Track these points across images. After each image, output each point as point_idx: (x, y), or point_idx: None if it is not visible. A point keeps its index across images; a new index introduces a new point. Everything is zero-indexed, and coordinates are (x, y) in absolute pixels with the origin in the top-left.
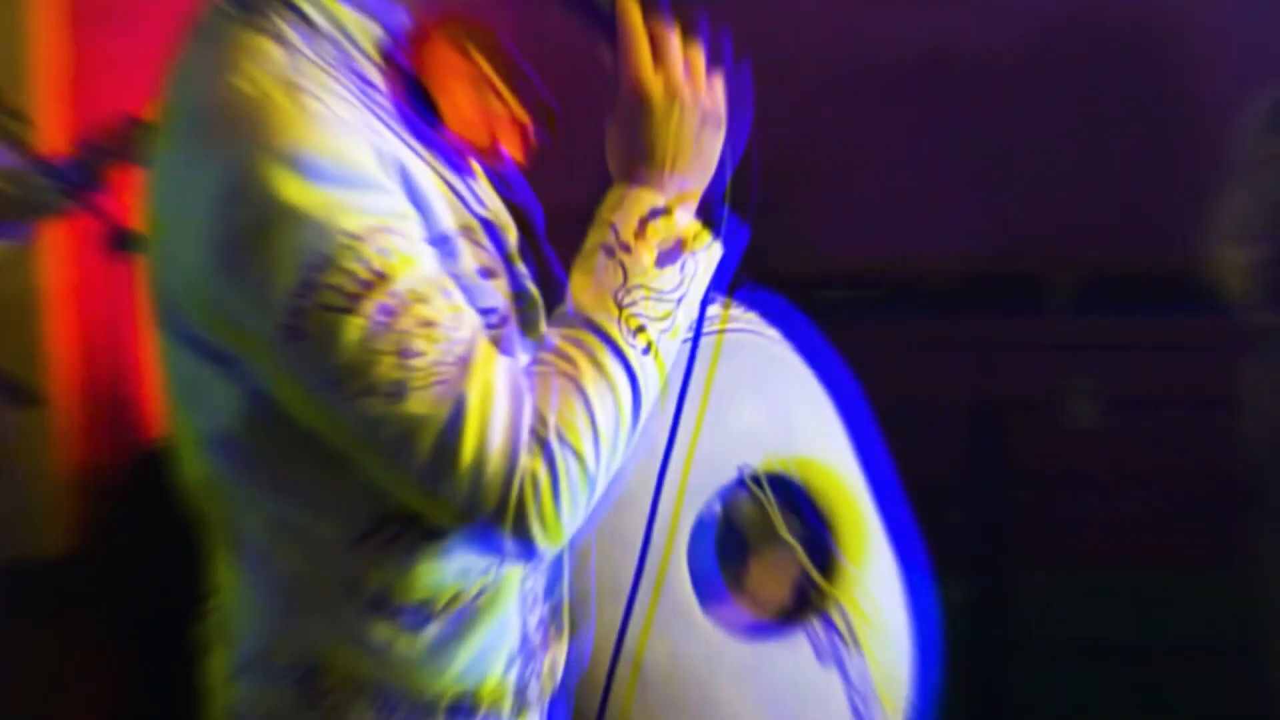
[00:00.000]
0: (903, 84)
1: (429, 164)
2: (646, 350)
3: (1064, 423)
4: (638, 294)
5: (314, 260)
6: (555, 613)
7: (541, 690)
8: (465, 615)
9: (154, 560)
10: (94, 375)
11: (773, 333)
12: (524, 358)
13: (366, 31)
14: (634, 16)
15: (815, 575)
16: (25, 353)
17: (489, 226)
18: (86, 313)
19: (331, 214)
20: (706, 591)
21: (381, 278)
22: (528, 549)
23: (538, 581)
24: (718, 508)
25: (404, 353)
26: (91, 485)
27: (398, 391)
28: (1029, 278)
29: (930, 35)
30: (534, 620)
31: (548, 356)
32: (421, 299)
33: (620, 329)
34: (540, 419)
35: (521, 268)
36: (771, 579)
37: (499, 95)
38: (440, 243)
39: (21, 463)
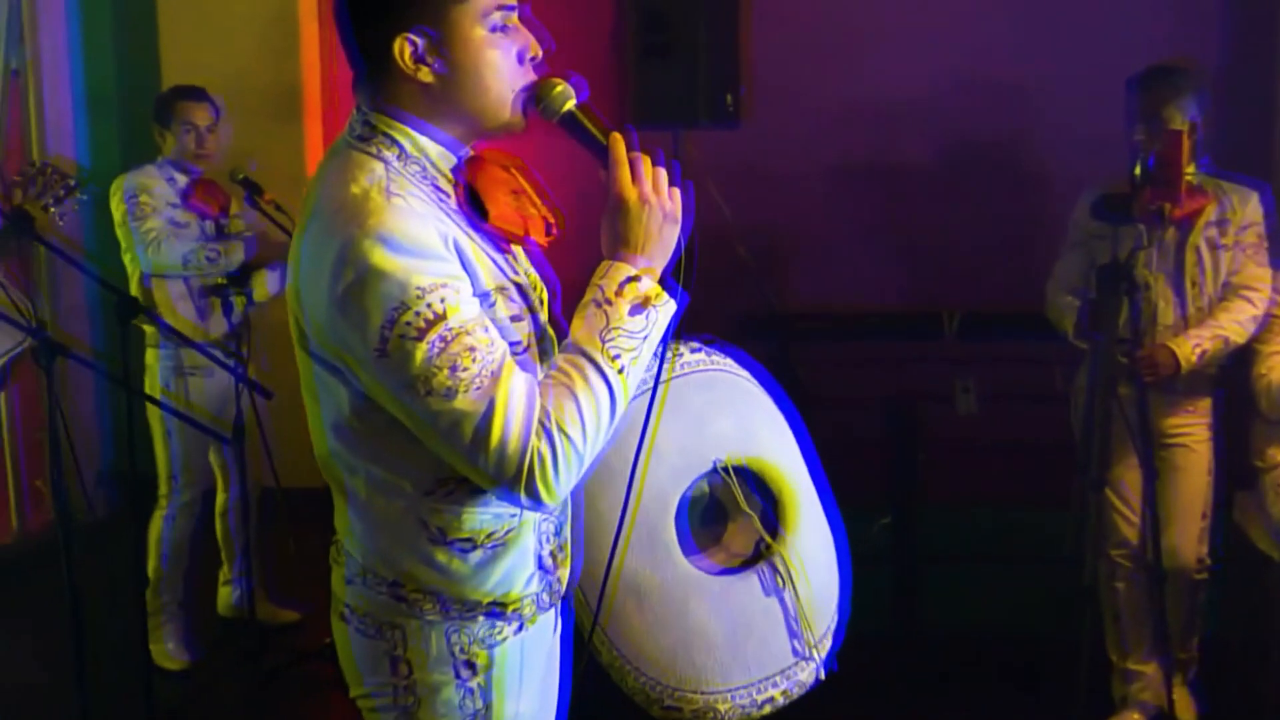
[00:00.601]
0: (861, 183)
1: (478, 244)
2: (620, 371)
3: (955, 409)
4: (616, 333)
5: (395, 305)
6: (561, 546)
7: (552, 598)
8: (497, 547)
9: None
10: None
11: (742, 372)
12: (542, 374)
13: (441, 157)
14: (620, 147)
15: (765, 536)
16: None
17: (519, 288)
18: None
19: (407, 274)
20: (688, 544)
21: (440, 317)
22: (537, 503)
23: (549, 524)
24: (704, 489)
25: (454, 368)
26: None
27: (449, 394)
28: (932, 314)
29: (882, 148)
30: (547, 551)
31: (554, 373)
32: (467, 332)
33: (601, 356)
34: (545, 413)
35: (543, 316)
36: (738, 537)
37: (530, 201)
38: (483, 296)
39: None
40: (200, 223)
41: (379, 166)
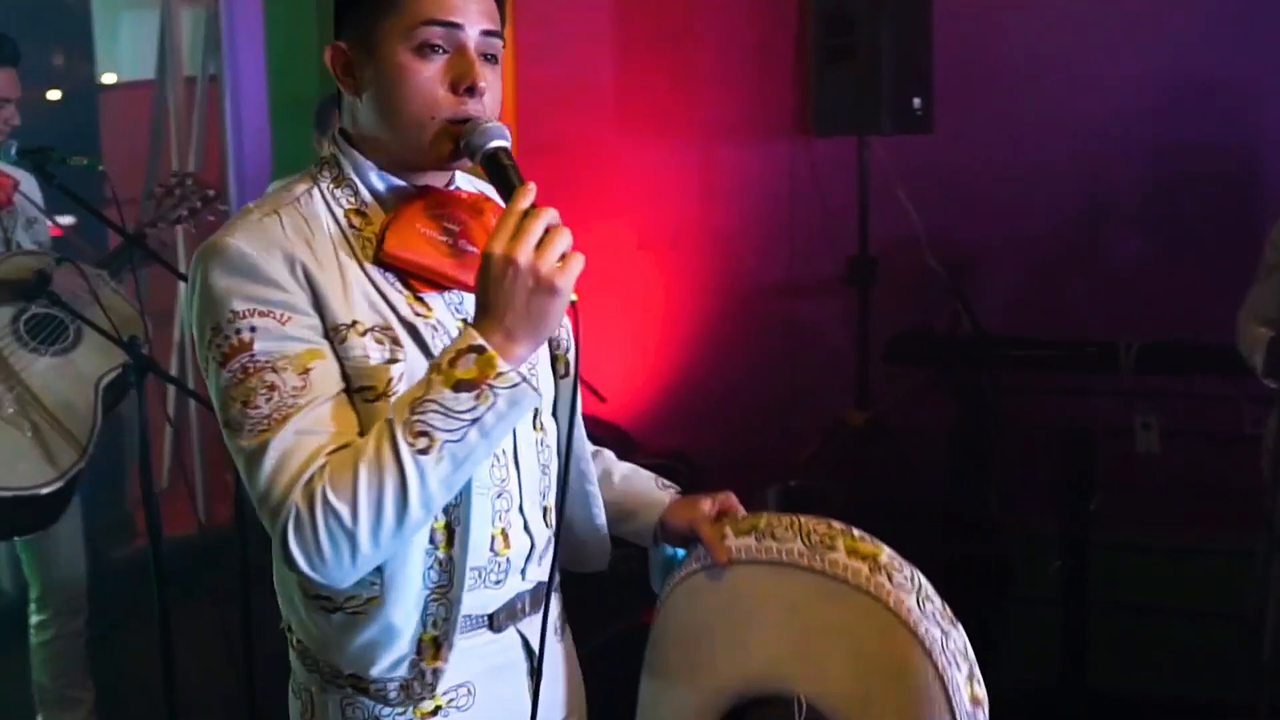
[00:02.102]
0: (1050, 198)
1: (352, 277)
2: (423, 451)
3: (1133, 446)
4: (429, 407)
5: (212, 324)
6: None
7: (429, 687)
8: (354, 614)
9: None
10: None
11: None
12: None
13: (381, 181)
14: (516, 200)
15: None
16: None
17: (412, 330)
18: None
19: (228, 295)
20: None
21: (244, 346)
22: (296, 571)
23: (442, 606)
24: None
25: (245, 402)
26: None
27: (238, 428)
28: (1109, 344)
29: (1078, 160)
30: (431, 636)
31: (363, 437)
32: (272, 368)
33: (402, 430)
34: (320, 475)
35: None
36: None
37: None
38: (332, 332)
39: None
40: None
41: (302, 186)
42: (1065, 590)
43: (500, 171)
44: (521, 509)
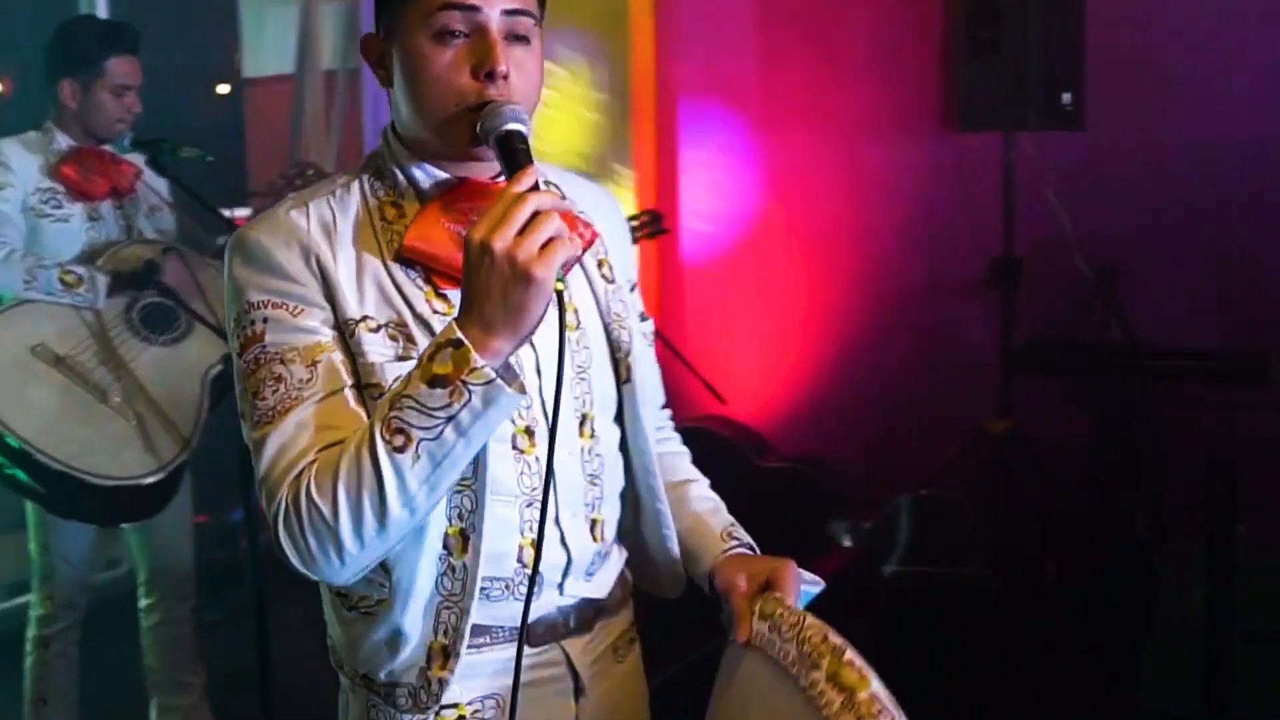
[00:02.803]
0: (1198, 209)
1: (371, 271)
2: (399, 449)
3: None
4: (406, 403)
5: (234, 314)
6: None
7: (434, 697)
8: (365, 614)
9: None
10: None
11: None
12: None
13: (419, 172)
14: (510, 185)
15: None
16: None
17: (428, 327)
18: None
19: (245, 285)
20: None
21: (257, 337)
22: (289, 561)
23: (453, 613)
24: None
25: (255, 393)
26: None
27: (246, 417)
28: (1258, 355)
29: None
30: (441, 644)
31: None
32: (280, 359)
33: (380, 426)
34: (308, 471)
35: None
36: None
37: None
38: (343, 325)
39: None
40: None
41: (345, 178)
42: (1210, 616)
43: (510, 155)
44: (558, 520)
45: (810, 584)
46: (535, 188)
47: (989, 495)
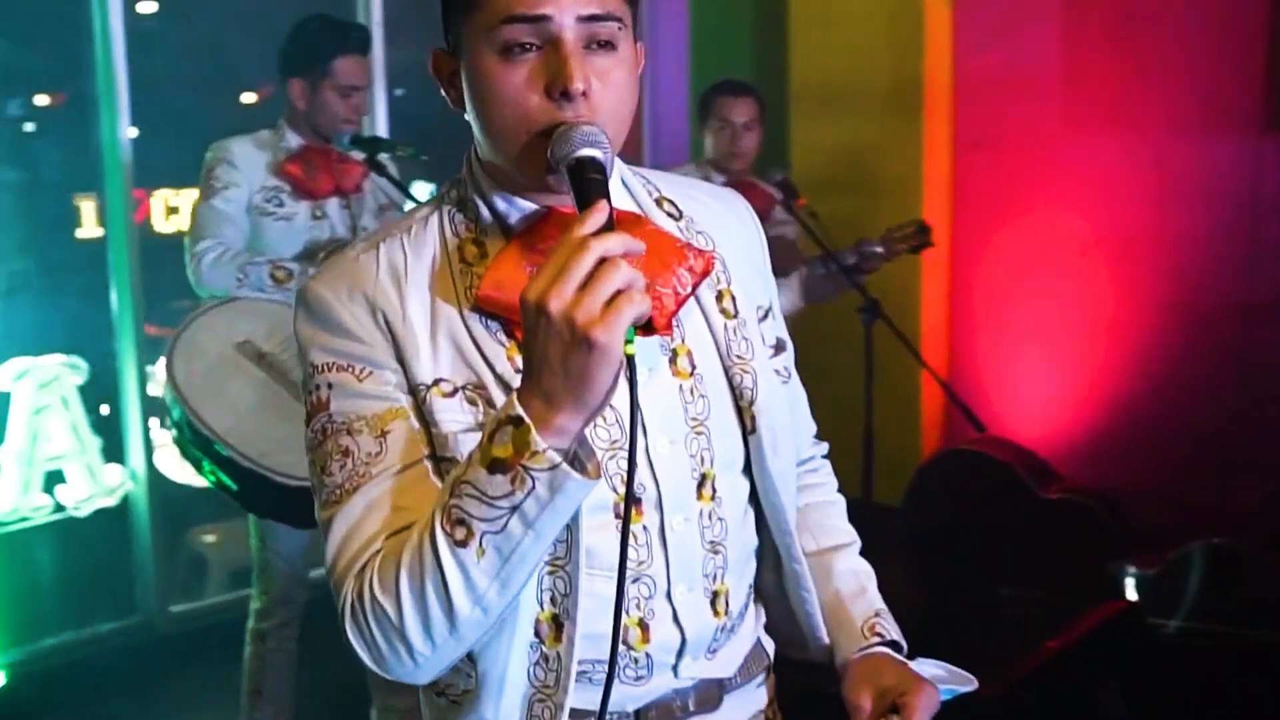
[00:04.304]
0: None
1: (446, 326)
2: (460, 543)
3: None
4: (465, 490)
5: (303, 375)
6: None
7: None
8: (452, 702)
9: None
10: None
11: None
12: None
13: (503, 203)
14: (574, 229)
15: None
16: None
17: (510, 389)
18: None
19: (309, 344)
20: None
21: (322, 405)
22: (360, 658)
23: (547, 707)
24: None
25: (324, 469)
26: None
27: (316, 496)
28: None
29: None
30: None
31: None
32: (348, 430)
33: (440, 516)
34: (371, 563)
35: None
36: None
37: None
38: (414, 389)
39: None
40: None
41: (425, 209)
42: None
43: (581, 187)
44: (670, 596)
45: (956, 683)
46: (609, 227)
47: None
